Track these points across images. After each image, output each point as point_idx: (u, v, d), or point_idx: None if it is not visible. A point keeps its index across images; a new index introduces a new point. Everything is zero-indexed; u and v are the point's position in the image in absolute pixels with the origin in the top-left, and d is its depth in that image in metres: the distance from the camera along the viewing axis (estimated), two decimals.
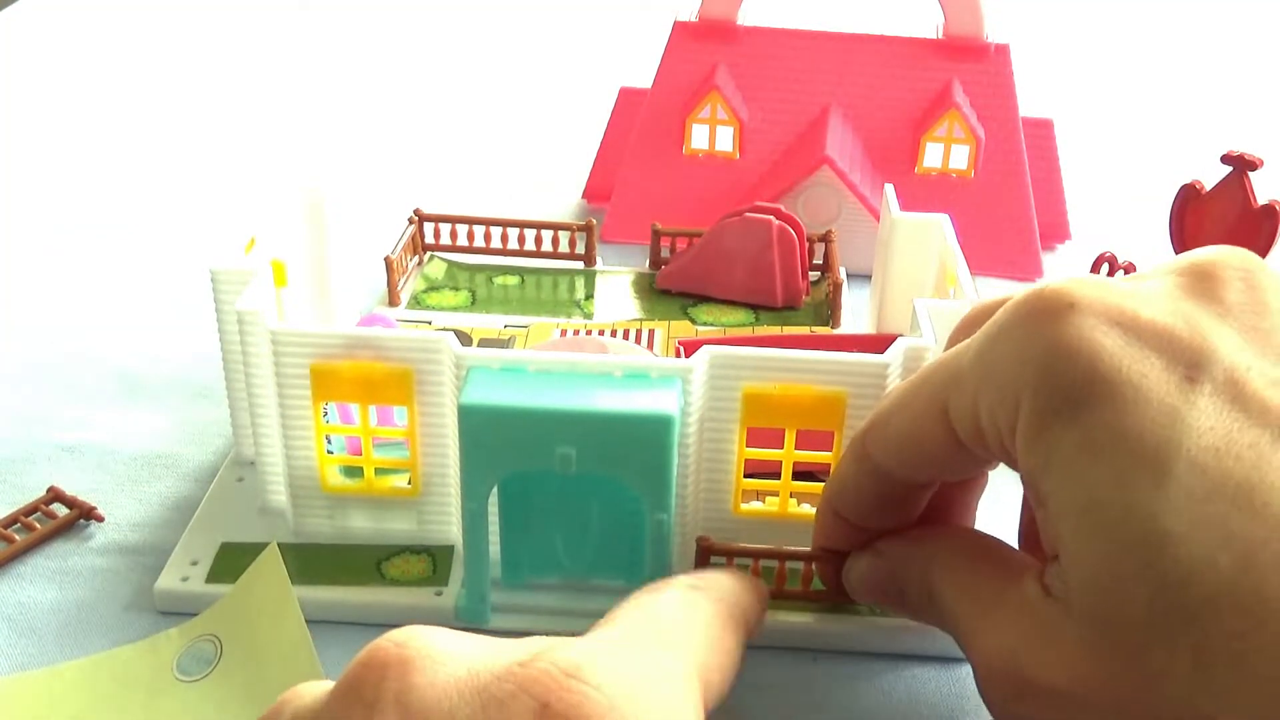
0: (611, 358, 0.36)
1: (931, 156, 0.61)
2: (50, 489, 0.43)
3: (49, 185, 0.70)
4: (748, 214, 0.54)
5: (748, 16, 0.62)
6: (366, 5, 1.00)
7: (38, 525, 0.42)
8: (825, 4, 0.67)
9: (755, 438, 0.38)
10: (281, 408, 0.39)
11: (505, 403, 0.34)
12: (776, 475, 0.39)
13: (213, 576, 0.39)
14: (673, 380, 0.35)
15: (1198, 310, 0.25)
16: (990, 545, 0.31)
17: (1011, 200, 0.61)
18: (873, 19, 0.63)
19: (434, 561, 0.40)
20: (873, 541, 0.33)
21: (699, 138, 0.62)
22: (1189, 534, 0.22)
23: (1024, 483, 0.26)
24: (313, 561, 0.40)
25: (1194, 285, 0.26)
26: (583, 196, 0.67)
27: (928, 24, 0.61)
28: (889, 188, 0.48)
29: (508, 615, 0.38)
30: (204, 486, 0.45)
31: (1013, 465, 0.27)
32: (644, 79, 0.63)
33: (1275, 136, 0.75)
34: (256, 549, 0.39)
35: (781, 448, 0.38)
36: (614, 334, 0.52)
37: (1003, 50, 0.61)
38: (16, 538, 0.41)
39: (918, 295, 0.44)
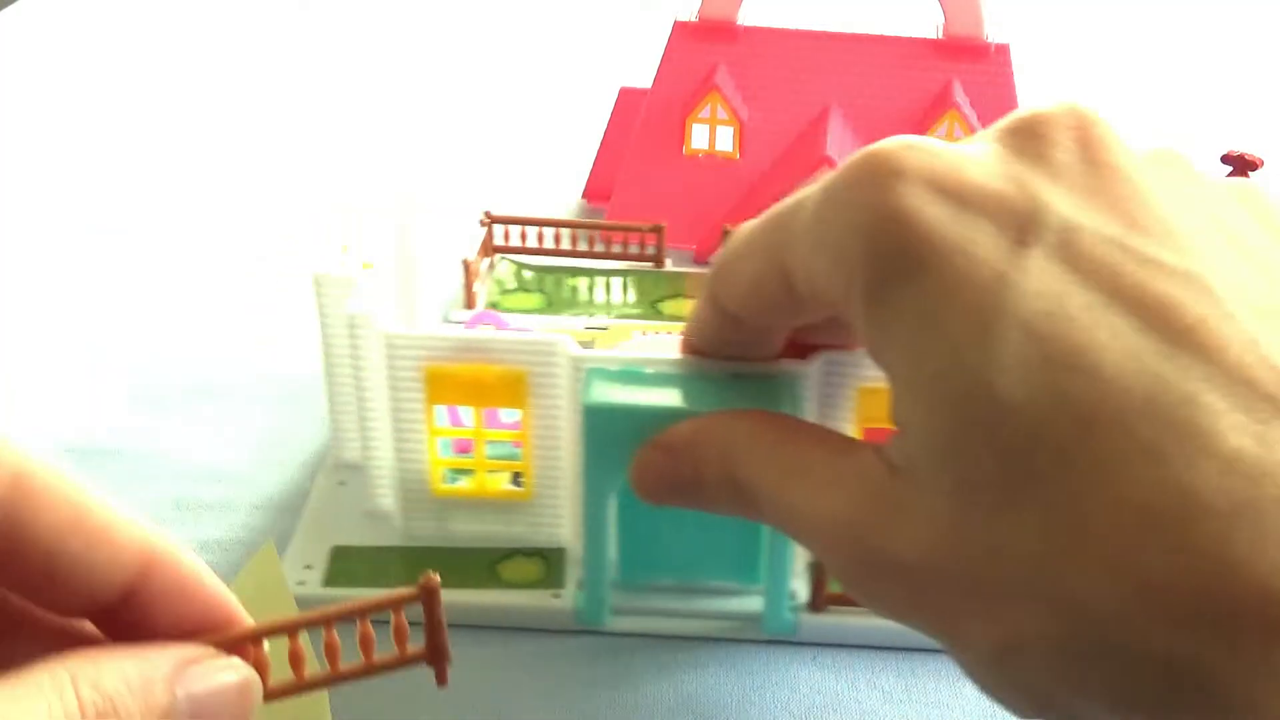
0: (730, 360, 0.36)
1: None
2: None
3: (47, 186, 0.70)
4: None
5: (748, 16, 0.62)
6: (366, 5, 1.00)
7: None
8: (825, 4, 0.67)
9: (869, 438, 0.37)
10: (393, 411, 0.39)
11: (630, 402, 0.34)
12: None
13: (329, 580, 0.39)
14: (792, 381, 0.35)
15: (1027, 171, 0.24)
16: (794, 422, 0.30)
17: None
18: (873, 19, 0.63)
19: (546, 563, 0.40)
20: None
21: (699, 138, 0.62)
22: (1027, 399, 0.22)
23: (868, 355, 0.26)
24: (424, 564, 0.39)
25: (1022, 146, 0.25)
26: (583, 196, 0.67)
27: (928, 24, 0.61)
28: None
29: (625, 617, 0.39)
30: (293, 491, 0.45)
31: (856, 334, 0.27)
32: (644, 79, 0.63)
33: (1275, 136, 0.75)
34: (368, 552, 0.40)
35: None
36: None
37: (1003, 50, 0.61)
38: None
39: None
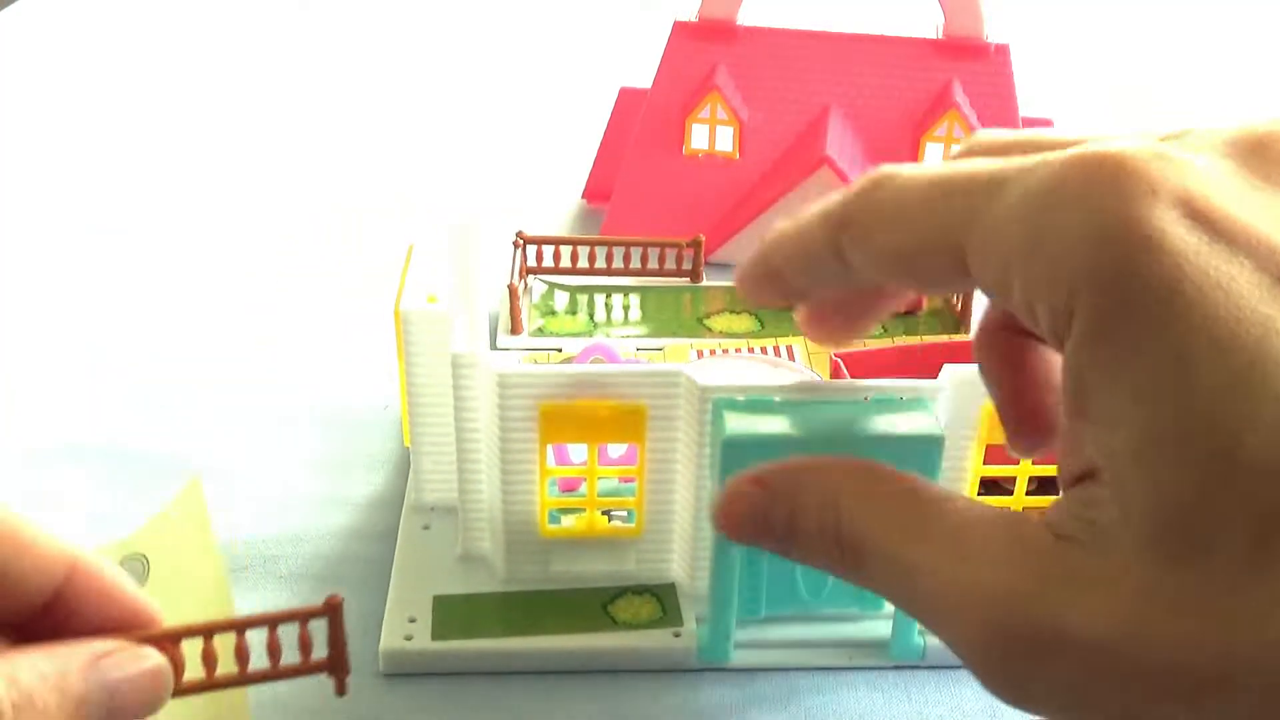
0: (858, 383, 0.35)
1: (932, 156, 0.61)
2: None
3: (47, 186, 0.70)
4: None
5: (748, 16, 0.62)
6: (366, 5, 1.00)
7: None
8: (825, 4, 0.67)
9: (992, 455, 0.38)
10: (503, 452, 0.37)
11: (773, 432, 0.33)
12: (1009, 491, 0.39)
13: (437, 633, 0.38)
14: (924, 401, 0.35)
15: (1275, 201, 0.22)
16: (915, 480, 0.26)
17: None
18: (873, 19, 0.63)
19: (659, 601, 0.39)
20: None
21: (699, 138, 0.62)
22: None
23: (1066, 382, 0.23)
24: (533, 609, 0.39)
25: (1267, 171, 0.22)
26: (583, 196, 0.67)
27: (928, 24, 0.61)
28: None
29: (748, 651, 0.38)
30: (369, 532, 0.44)
31: (1047, 341, 0.24)
32: (644, 79, 0.63)
33: None
34: (472, 600, 0.39)
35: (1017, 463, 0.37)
36: (750, 350, 0.52)
37: (1003, 50, 0.61)
38: None
39: None
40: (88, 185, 0.70)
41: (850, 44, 0.61)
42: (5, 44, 0.91)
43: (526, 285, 0.55)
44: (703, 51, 0.62)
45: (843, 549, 0.26)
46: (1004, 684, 0.23)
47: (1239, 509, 0.20)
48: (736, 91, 0.62)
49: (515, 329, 0.53)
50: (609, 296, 0.56)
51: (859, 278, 0.27)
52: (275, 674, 0.28)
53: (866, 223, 0.26)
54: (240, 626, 0.28)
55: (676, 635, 0.38)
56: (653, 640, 0.38)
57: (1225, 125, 0.23)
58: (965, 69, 0.60)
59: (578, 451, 0.40)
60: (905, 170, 0.25)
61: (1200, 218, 0.21)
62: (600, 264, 0.55)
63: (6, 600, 0.24)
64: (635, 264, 0.56)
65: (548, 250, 0.56)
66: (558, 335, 0.53)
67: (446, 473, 0.42)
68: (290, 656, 0.29)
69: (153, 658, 0.25)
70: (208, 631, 0.27)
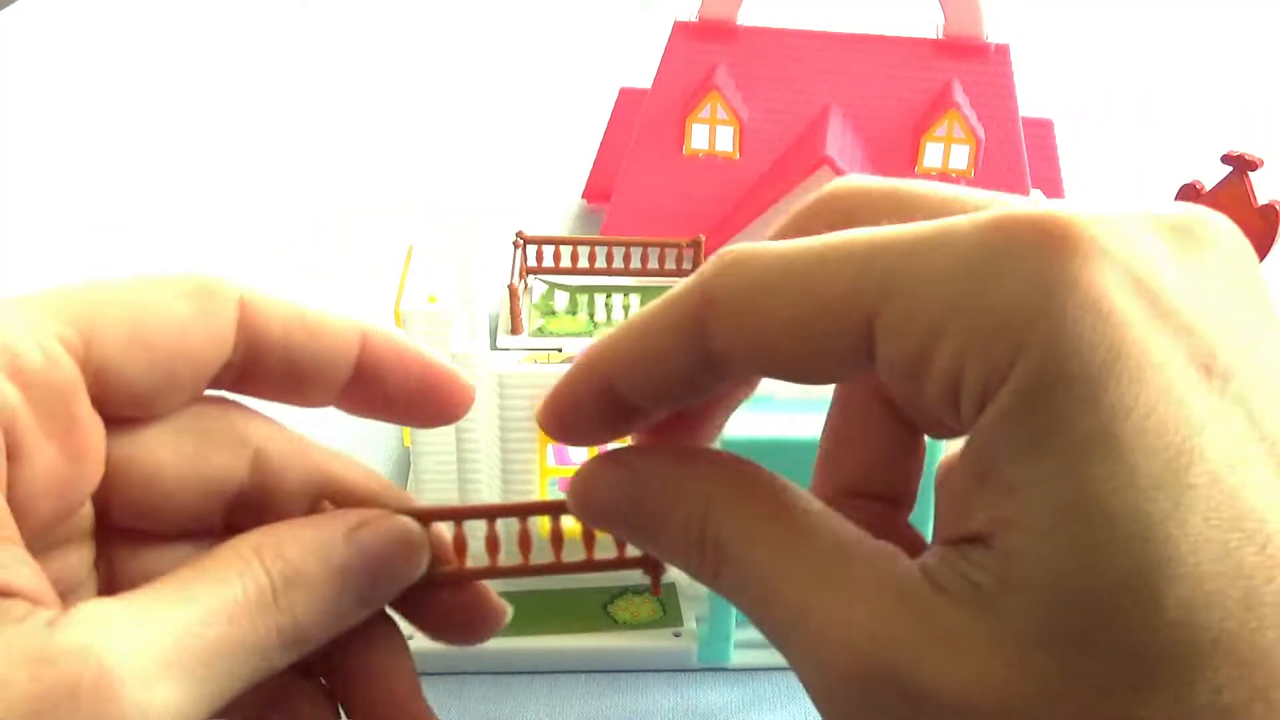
0: None
1: (931, 156, 0.61)
2: None
3: (47, 186, 0.70)
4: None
5: (748, 16, 0.62)
6: (366, 5, 1.00)
7: None
8: (825, 4, 0.67)
9: None
10: (504, 452, 0.38)
11: (771, 436, 0.33)
12: None
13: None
14: None
15: (1202, 286, 0.21)
16: (798, 496, 0.24)
17: None
18: (873, 19, 0.63)
19: (660, 601, 0.39)
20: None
21: (699, 138, 0.62)
22: (1200, 565, 0.19)
23: (968, 448, 0.21)
24: (534, 609, 0.39)
25: (1192, 253, 0.21)
26: (583, 196, 0.67)
27: (928, 24, 0.61)
28: None
29: (748, 651, 0.38)
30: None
31: (937, 412, 0.22)
32: (644, 79, 0.63)
33: (1275, 136, 0.75)
34: None
35: None
36: None
37: (1003, 50, 0.61)
38: None
39: None
40: (87, 185, 0.70)
41: (850, 44, 0.61)
42: (5, 44, 0.91)
43: (526, 285, 0.55)
44: (703, 51, 0.62)
45: (704, 553, 0.24)
46: None
47: (1128, 610, 0.19)
48: (736, 91, 0.62)
49: (515, 329, 0.53)
50: (609, 296, 0.56)
51: (723, 373, 0.23)
52: (590, 565, 0.27)
53: (738, 300, 0.22)
54: (493, 514, 0.27)
55: (676, 635, 0.38)
56: (653, 640, 0.38)
57: (1147, 205, 0.22)
58: (965, 69, 0.60)
59: (578, 452, 0.40)
60: (771, 245, 0.23)
61: (1143, 289, 0.20)
62: (600, 264, 0.55)
63: (317, 381, 0.26)
64: (635, 264, 0.56)
65: (548, 250, 0.56)
66: (558, 335, 0.53)
67: (446, 473, 0.42)
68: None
69: (408, 525, 0.26)
70: (460, 516, 0.27)
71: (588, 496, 0.26)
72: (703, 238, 0.56)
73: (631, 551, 0.27)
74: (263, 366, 0.26)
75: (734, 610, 0.37)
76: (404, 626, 0.27)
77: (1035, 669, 0.20)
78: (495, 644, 0.38)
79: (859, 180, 0.25)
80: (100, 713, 0.20)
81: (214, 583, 0.23)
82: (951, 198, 0.23)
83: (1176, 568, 0.19)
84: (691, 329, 0.23)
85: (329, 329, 0.26)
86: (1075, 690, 0.19)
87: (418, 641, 0.37)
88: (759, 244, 0.23)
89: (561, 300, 0.56)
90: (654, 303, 0.24)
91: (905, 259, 0.21)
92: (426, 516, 0.26)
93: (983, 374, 0.20)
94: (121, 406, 0.24)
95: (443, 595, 0.27)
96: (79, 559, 0.25)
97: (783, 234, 0.24)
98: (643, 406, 0.25)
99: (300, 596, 0.24)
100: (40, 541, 0.23)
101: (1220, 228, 0.22)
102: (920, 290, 0.21)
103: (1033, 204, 0.21)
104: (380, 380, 0.26)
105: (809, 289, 0.22)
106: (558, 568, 0.27)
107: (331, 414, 0.28)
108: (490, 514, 0.27)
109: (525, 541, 0.27)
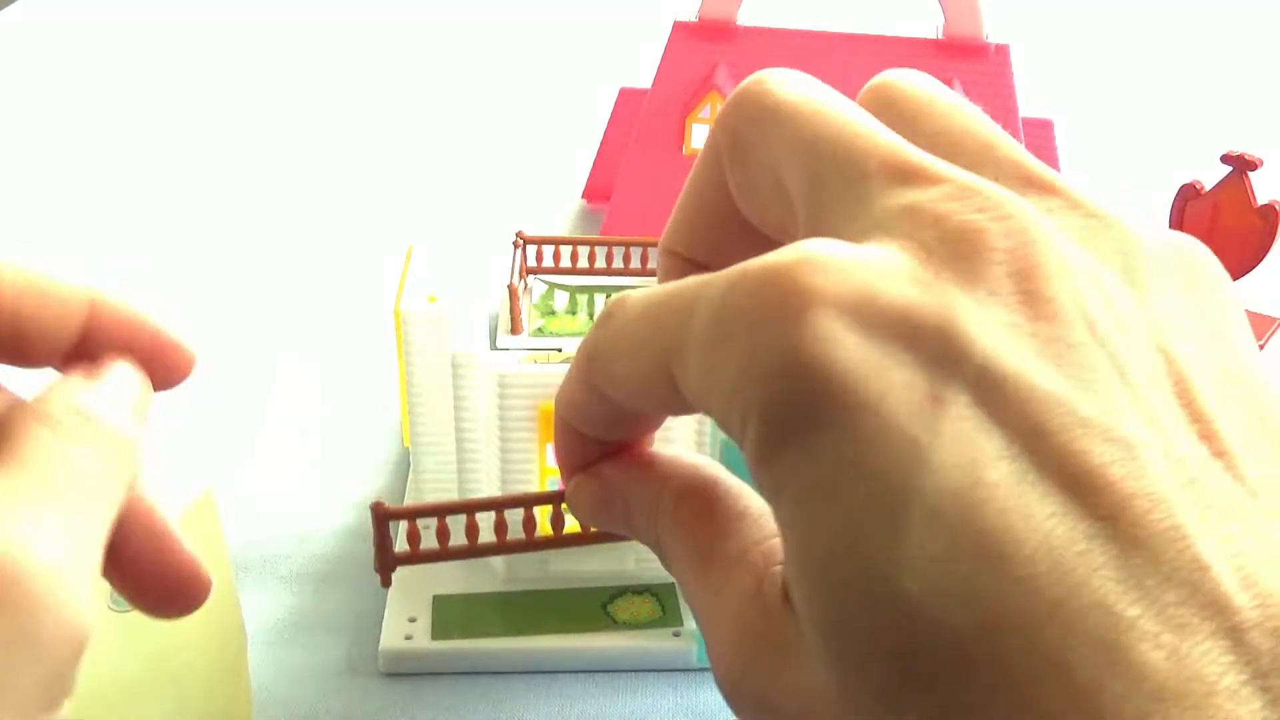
0: None
1: None
2: None
3: (46, 186, 0.70)
4: None
5: (748, 16, 0.62)
6: (366, 6, 1.00)
7: None
8: (825, 4, 0.67)
9: None
10: (503, 451, 0.37)
11: None
12: None
13: (437, 632, 0.38)
14: None
15: (950, 290, 0.20)
16: (725, 491, 0.26)
17: None
18: (873, 19, 0.63)
19: (659, 600, 0.39)
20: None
21: (699, 138, 0.62)
22: (925, 596, 0.19)
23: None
24: (533, 609, 0.39)
25: (950, 255, 0.21)
26: (583, 196, 0.67)
27: (928, 24, 0.61)
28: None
29: None
30: (369, 532, 0.43)
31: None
32: (644, 79, 0.63)
33: (1275, 136, 0.75)
34: (472, 600, 0.38)
35: None
36: None
37: (1003, 50, 0.61)
38: None
39: None
40: (87, 186, 0.70)
41: (850, 44, 0.61)
42: (5, 44, 0.91)
43: (526, 285, 0.55)
44: (703, 51, 0.62)
45: (659, 550, 0.27)
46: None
47: (875, 643, 0.20)
48: None
49: (515, 329, 0.53)
50: (609, 296, 0.56)
51: (630, 422, 0.27)
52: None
53: (603, 358, 0.25)
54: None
55: (676, 635, 0.38)
56: (652, 640, 0.38)
57: (917, 219, 0.22)
58: (965, 69, 0.60)
59: None
60: (634, 295, 0.25)
61: (860, 317, 0.20)
62: (600, 264, 0.55)
63: (43, 344, 0.26)
64: (635, 264, 0.56)
65: (548, 250, 0.56)
66: (558, 335, 0.53)
67: (446, 472, 0.42)
68: None
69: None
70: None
71: (575, 504, 0.29)
72: None
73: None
74: None
75: None
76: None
77: (835, 695, 0.20)
78: (495, 644, 0.38)
79: (910, 84, 0.25)
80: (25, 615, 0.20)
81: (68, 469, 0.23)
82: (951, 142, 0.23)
83: (904, 603, 0.19)
84: (587, 387, 0.26)
85: (57, 293, 0.26)
86: (863, 700, 0.20)
87: (419, 642, 0.38)
88: (631, 295, 0.25)
89: (561, 300, 0.56)
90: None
91: (685, 322, 0.23)
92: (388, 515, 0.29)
93: (735, 431, 0.22)
94: None
95: (144, 561, 0.26)
96: None
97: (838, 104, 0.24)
98: (601, 438, 0.27)
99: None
100: None
101: (997, 226, 0.21)
102: (687, 357, 0.22)
103: (773, 254, 0.21)
104: (107, 346, 0.27)
105: (634, 351, 0.24)
106: (502, 547, 0.32)
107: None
108: (440, 512, 0.30)
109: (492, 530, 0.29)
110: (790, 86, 0.24)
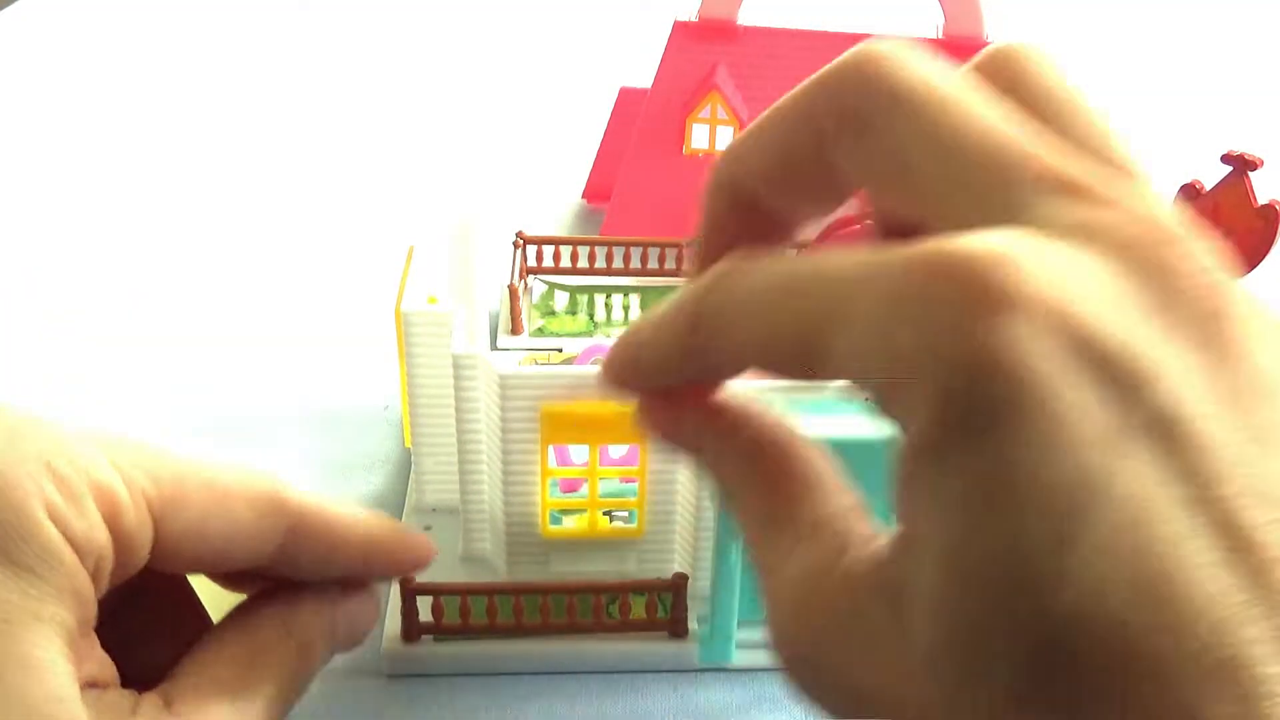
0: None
1: None
2: None
3: (46, 187, 0.70)
4: (839, 233, 0.53)
5: (748, 16, 0.62)
6: (366, 6, 1.00)
7: None
8: (825, 4, 0.67)
9: None
10: (505, 453, 0.37)
11: (842, 436, 0.32)
12: None
13: (439, 634, 0.38)
14: None
15: (1148, 319, 0.20)
16: (805, 466, 0.26)
17: None
18: (873, 19, 0.63)
19: (660, 601, 0.39)
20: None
21: (699, 138, 0.62)
22: (1079, 614, 0.19)
23: (896, 455, 0.22)
24: (534, 611, 0.39)
25: (1148, 278, 0.21)
26: (583, 196, 0.67)
27: (928, 24, 0.61)
28: None
29: (749, 651, 0.38)
30: None
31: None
32: (644, 79, 0.63)
33: (1275, 136, 0.75)
34: (473, 601, 0.38)
35: None
36: None
37: None
38: None
39: None
40: (87, 186, 0.70)
41: (850, 44, 0.61)
42: (5, 44, 0.91)
43: (526, 285, 0.55)
44: (703, 51, 0.62)
45: (725, 493, 0.27)
46: (795, 690, 0.24)
47: (1019, 642, 0.20)
48: (736, 91, 0.62)
49: (515, 329, 0.53)
50: (609, 296, 0.56)
51: (716, 373, 0.27)
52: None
53: (723, 318, 0.25)
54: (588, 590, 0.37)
55: (677, 636, 0.38)
56: (653, 641, 0.38)
57: (1114, 229, 0.21)
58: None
59: (579, 452, 0.40)
60: (746, 262, 0.25)
61: (1060, 329, 0.20)
62: (600, 264, 0.55)
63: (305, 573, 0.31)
64: (635, 264, 0.56)
65: (548, 250, 0.56)
66: (558, 335, 0.53)
67: (447, 473, 0.42)
68: None
69: (377, 602, 0.33)
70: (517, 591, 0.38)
71: (646, 425, 0.28)
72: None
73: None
74: (278, 570, 0.30)
75: (736, 610, 0.37)
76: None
77: (939, 672, 0.20)
78: (495, 644, 0.38)
79: (1037, 62, 0.25)
80: None
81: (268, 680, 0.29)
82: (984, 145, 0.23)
83: (1064, 615, 0.19)
84: (683, 344, 0.26)
85: (342, 554, 0.31)
86: (980, 695, 0.20)
87: (421, 644, 0.38)
88: (745, 263, 0.25)
89: (561, 300, 0.56)
90: (668, 303, 0.26)
91: (847, 292, 0.22)
92: (415, 590, 0.34)
93: (900, 413, 0.21)
94: (158, 563, 0.28)
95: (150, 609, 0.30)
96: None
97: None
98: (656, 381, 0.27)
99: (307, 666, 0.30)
100: None
101: (1190, 252, 0.21)
102: (851, 326, 0.22)
103: (969, 240, 0.21)
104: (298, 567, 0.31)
105: (767, 319, 0.24)
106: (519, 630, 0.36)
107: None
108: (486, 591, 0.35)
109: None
110: (909, 67, 0.24)
